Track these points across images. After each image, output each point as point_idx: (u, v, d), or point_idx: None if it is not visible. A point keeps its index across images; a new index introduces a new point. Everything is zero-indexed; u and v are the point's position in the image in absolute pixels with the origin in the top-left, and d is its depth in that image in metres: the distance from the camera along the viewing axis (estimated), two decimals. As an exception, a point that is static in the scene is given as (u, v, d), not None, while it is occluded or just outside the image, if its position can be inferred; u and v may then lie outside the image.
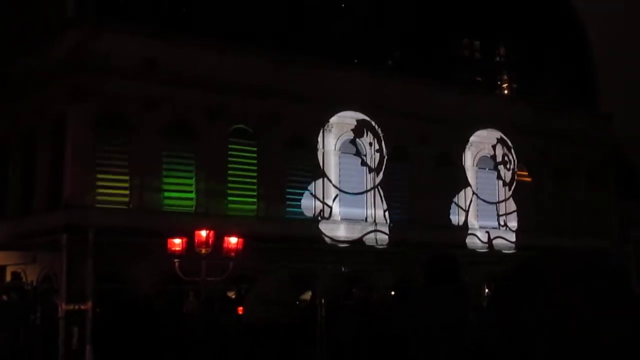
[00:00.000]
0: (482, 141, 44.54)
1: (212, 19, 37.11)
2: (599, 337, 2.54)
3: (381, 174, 40.80)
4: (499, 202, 45.08)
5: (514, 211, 45.47)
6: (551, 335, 2.56)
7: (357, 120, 40.10)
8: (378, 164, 40.83)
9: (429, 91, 42.00)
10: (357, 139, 40.38)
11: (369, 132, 40.50)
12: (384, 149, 40.85)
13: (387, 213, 40.66)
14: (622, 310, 2.60)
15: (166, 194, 34.77)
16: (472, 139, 44.01)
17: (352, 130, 40.12)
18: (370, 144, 40.62)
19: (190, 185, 35.47)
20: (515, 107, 45.88)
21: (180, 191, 35.17)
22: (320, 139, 39.10)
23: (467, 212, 43.62)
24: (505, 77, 48.52)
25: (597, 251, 40.71)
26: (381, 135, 40.63)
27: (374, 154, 40.73)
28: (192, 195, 35.37)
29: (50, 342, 19.22)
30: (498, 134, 44.98)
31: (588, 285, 2.63)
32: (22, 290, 24.65)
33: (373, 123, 40.36)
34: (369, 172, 40.62)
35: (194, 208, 34.85)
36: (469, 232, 43.18)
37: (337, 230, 38.94)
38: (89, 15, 34.48)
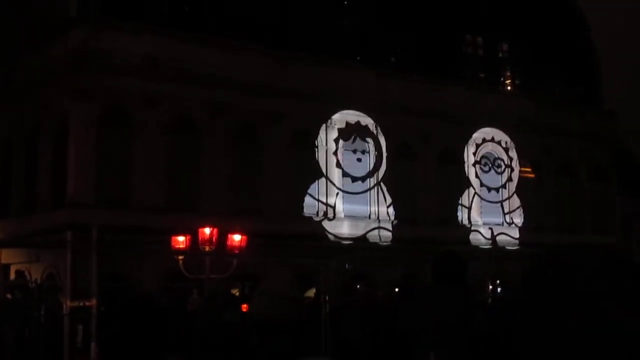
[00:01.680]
0: (486, 138, 44.49)
1: (215, 16, 37.10)
2: (623, 333, 2.54)
3: (384, 171, 40.77)
4: (502, 199, 45.04)
5: (517, 208, 45.43)
6: (579, 331, 2.56)
7: (360, 117, 40.07)
8: (381, 161, 40.80)
9: (432, 88, 41.99)
10: (360, 136, 40.34)
11: (372, 129, 40.47)
12: (387, 146, 40.82)
13: (390, 210, 40.64)
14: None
15: (170, 192, 34.75)
16: (475, 135, 43.95)
17: (355, 127, 40.09)
18: (374, 141, 40.58)
19: (194, 182, 35.45)
20: (518, 104, 45.81)
21: (183, 189, 35.14)
22: (323, 136, 39.08)
23: (470, 209, 43.59)
24: (509, 73, 48.47)
25: (596, 250, 40.52)
26: (384, 132, 40.59)
27: (377, 151, 40.70)
28: (195, 192, 35.34)
29: (54, 339, 19.23)
30: (501, 131, 44.91)
31: (615, 281, 2.63)
32: (26, 288, 24.71)
33: (376, 120, 40.32)
34: (372, 170, 40.59)
35: (197, 205, 34.81)
36: (473, 229, 43.16)
37: (341, 228, 38.96)
38: (91, 14, 34.51)
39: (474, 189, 43.90)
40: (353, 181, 39.86)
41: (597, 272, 2.65)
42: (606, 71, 52.79)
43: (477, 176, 44.15)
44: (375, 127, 40.43)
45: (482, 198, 44.14)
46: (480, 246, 42.46)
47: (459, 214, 43.32)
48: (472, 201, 43.71)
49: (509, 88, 48.51)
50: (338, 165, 39.47)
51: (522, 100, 46.31)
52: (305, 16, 39.50)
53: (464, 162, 43.73)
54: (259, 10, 38.07)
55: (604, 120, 50.04)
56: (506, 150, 45.31)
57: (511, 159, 45.56)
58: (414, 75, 41.65)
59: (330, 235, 38.38)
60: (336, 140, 39.47)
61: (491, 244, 43.30)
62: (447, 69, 43.73)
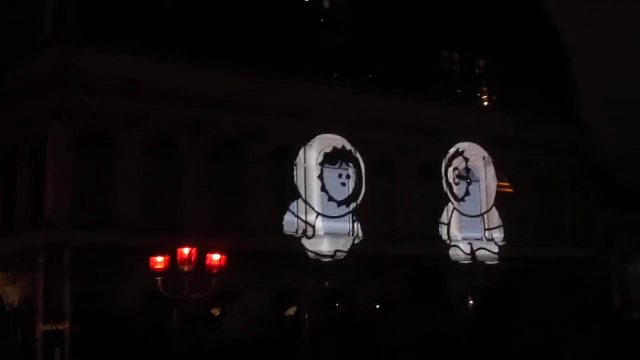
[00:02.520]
0: (464, 153, 44.58)
1: (193, 35, 37.07)
2: (570, 353, 2.56)
3: (363, 188, 40.77)
4: (481, 213, 45.12)
5: (497, 223, 45.51)
6: (526, 351, 2.58)
7: (338, 134, 40.09)
8: (360, 177, 40.81)
9: (409, 104, 42.08)
10: (339, 153, 40.36)
11: (350, 146, 40.49)
12: (365, 162, 40.85)
13: (370, 226, 40.59)
14: (594, 326, 2.62)
15: (149, 211, 34.56)
16: (452, 150, 44.04)
17: (340, 151, 40.13)
18: (352, 158, 40.59)
19: (173, 201, 35.28)
20: (495, 119, 46.00)
21: (162, 208, 34.96)
22: (302, 153, 39.07)
23: (449, 224, 43.63)
24: (485, 89, 48.67)
25: (578, 263, 40.70)
26: (362, 148, 40.62)
27: (356, 167, 40.72)
28: (175, 211, 35.17)
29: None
30: (479, 146, 45.03)
31: (562, 301, 2.65)
32: (3, 311, 24.47)
33: (354, 136, 40.35)
34: (355, 189, 40.59)
35: (176, 225, 34.62)
36: (452, 244, 43.17)
37: (320, 245, 38.86)
38: (69, 33, 34.38)
39: (452, 204, 43.95)
40: (338, 205, 39.84)
41: (545, 292, 2.68)
42: (583, 85, 53.16)
43: (455, 191, 44.21)
44: (354, 143, 40.42)
45: (460, 213, 44.18)
46: (460, 261, 42.46)
47: (439, 229, 43.34)
48: (451, 216, 43.76)
49: (485, 103, 48.71)
50: (323, 189, 39.43)
51: (499, 115, 46.51)
52: (282, 34, 39.55)
53: (442, 178, 43.77)
54: (236, 29, 38.09)
55: (581, 134, 50.31)
56: (484, 165, 45.42)
57: (489, 174, 45.66)
58: (392, 91, 41.72)
59: (309, 253, 38.27)
60: (321, 164, 39.49)
61: (471, 259, 43.31)
62: (424, 85, 43.87)
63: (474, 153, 45.07)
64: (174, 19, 37.17)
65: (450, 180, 44.05)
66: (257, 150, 37.45)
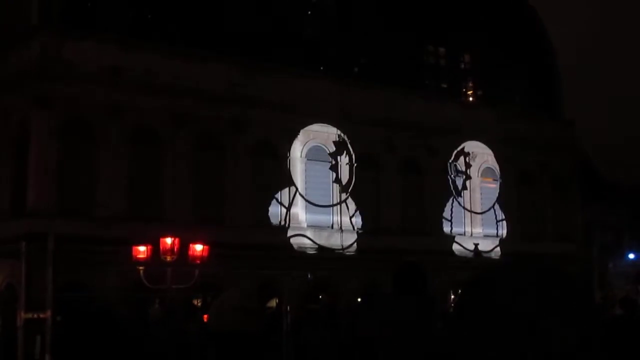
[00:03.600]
0: (448, 148, 44.66)
1: (177, 26, 36.99)
2: (549, 345, 2.59)
3: (347, 181, 40.82)
4: (464, 208, 45.23)
5: (479, 218, 45.66)
6: (503, 344, 2.61)
7: (323, 127, 40.10)
8: (344, 171, 40.85)
9: (394, 98, 42.12)
10: (324, 146, 40.38)
11: (335, 139, 40.50)
12: (351, 156, 40.89)
13: (353, 220, 40.67)
14: (576, 320, 2.65)
15: (132, 201, 34.48)
16: (437, 145, 44.08)
17: (318, 137, 40.13)
18: (337, 151, 40.61)
19: (156, 192, 35.24)
20: (480, 114, 46.12)
21: (145, 198, 34.90)
22: (286, 146, 39.04)
23: (432, 218, 43.73)
24: (471, 84, 48.78)
25: (559, 259, 40.93)
26: (347, 142, 40.66)
27: (341, 160, 40.75)
28: (157, 202, 35.12)
29: (10, 350, 19.00)
30: (463, 141, 45.11)
31: (540, 294, 2.68)
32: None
33: (339, 130, 40.37)
34: (336, 179, 40.63)
35: (159, 215, 34.57)
36: (435, 238, 43.24)
37: (304, 238, 38.88)
38: (53, 22, 34.23)
39: (436, 198, 44.01)
40: (316, 191, 39.79)
41: (523, 286, 2.71)
42: (566, 81, 53.40)
43: (439, 186, 44.28)
44: (339, 136, 40.45)
45: (445, 208, 44.27)
46: (443, 256, 42.51)
47: (422, 223, 43.41)
48: (434, 211, 43.86)
49: (471, 98, 48.82)
50: (307, 182, 39.43)
51: (483, 111, 46.62)
52: (268, 26, 39.50)
53: (427, 173, 43.83)
54: (223, 20, 38.02)
55: (564, 130, 50.50)
56: (467, 160, 45.51)
57: (473, 170, 45.75)
58: (377, 85, 41.75)
59: (293, 245, 38.30)
60: (300, 150, 39.44)
61: (454, 254, 43.44)
62: (409, 79, 43.90)
63: (458, 148, 45.12)
64: (158, 9, 37.09)
65: (435, 175, 44.08)
66: (241, 143, 37.41)
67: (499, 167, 46.70)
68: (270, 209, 38.35)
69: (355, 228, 40.58)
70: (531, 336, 2.60)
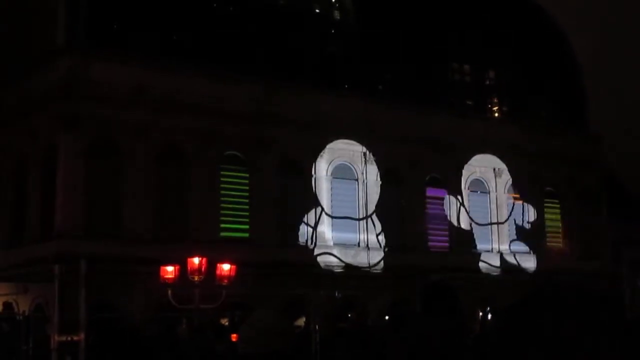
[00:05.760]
0: (474, 164, 44.51)
1: (203, 46, 37.16)
2: None
3: (373, 199, 40.74)
4: (491, 224, 45.00)
5: (506, 234, 45.38)
6: None
7: (348, 145, 40.08)
8: (370, 188, 40.79)
9: (419, 115, 42.07)
10: (349, 164, 40.37)
11: (360, 157, 40.49)
12: (376, 173, 40.84)
13: (380, 237, 40.56)
14: (618, 342, 2.63)
15: (159, 221, 34.60)
16: (464, 161, 43.91)
17: (343, 154, 40.13)
18: (362, 169, 40.58)
19: (182, 211, 35.33)
20: (505, 130, 45.93)
21: (172, 218, 35.01)
22: (312, 164, 39.05)
23: (459, 235, 43.53)
24: (496, 100, 48.61)
25: (588, 276, 40.49)
26: (373, 159, 40.63)
27: (366, 178, 40.70)
28: (184, 221, 35.21)
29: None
30: (489, 157, 44.95)
31: (588, 317, 2.66)
32: (14, 320, 24.49)
33: (364, 148, 40.35)
34: (361, 197, 40.57)
35: (186, 235, 34.65)
36: (461, 255, 43.00)
37: (330, 256, 38.80)
38: (79, 43, 34.50)
39: (463, 215, 43.80)
40: (342, 209, 39.73)
41: (572, 308, 2.69)
42: (593, 96, 53.08)
43: (466, 202, 44.10)
44: (364, 154, 40.43)
45: (472, 224, 44.05)
46: (470, 273, 42.25)
47: (447, 240, 43.23)
48: (459, 228, 43.65)
49: (496, 114, 48.64)
50: (327, 192, 39.40)
51: (509, 127, 46.42)
52: (293, 45, 39.63)
53: (452, 189, 43.65)
54: (248, 40, 38.18)
55: (591, 145, 50.18)
56: (494, 176, 45.32)
57: (499, 185, 45.54)
58: (402, 102, 41.72)
59: (320, 264, 38.23)
60: (325, 168, 39.43)
61: (479, 271, 43.17)
62: (434, 97, 43.84)
63: (485, 164, 44.98)
64: (183, 30, 37.27)
65: (461, 191, 43.91)
66: (267, 161, 37.47)
67: (526, 183, 46.43)
68: (296, 227, 38.33)
69: (382, 246, 40.45)
70: (577, 357, 2.59)
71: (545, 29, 51.14)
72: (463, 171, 44.05)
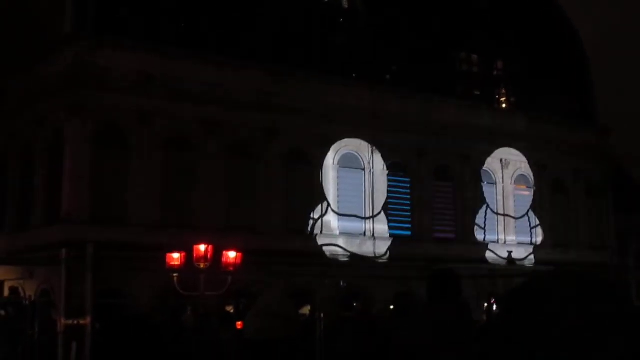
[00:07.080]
0: (481, 155, 44.47)
1: (210, 34, 37.15)
2: (601, 356, 2.55)
3: (380, 188, 40.74)
4: (497, 215, 44.98)
5: (513, 226, 45.37)
6: (554, 355, 2.57)
7: (356, 135, 40.05)
8: (377, 178, 40.78)
9: (427, 105, 42.04)
10: (356, 153, 40.35)
11: (367, 146, 40.47)
12: (383, 163, 40.82)
13: (385, 227, 40.57)
14: (624, 330, 2.61)
15: (165, 208, 34.65)
16: (471, 153, 43.91)
17: (350, 144, 40.11)
18: (369, 158, 40.57)
19: (188, 199, 35.37)
20: (513, 121, 45.88)
21: (178, 205, 35.06)
22: (318, 153, 39.04)
23: (466, 226, 43.53)
24: (504, 90, 48.51)
25: (594, 267, 40.52)
26: (379, 149, 40.59)
27: (373, 168, 40.69)
28: (190, 209, 35.25)
29: (48, 357, 19.12)
30: (497, 148, 44.90)
31: (592, 306, 2.65)
32: (20, 305, 24.54)
33: (371, 137, 40.32)
34: (368, 187, 40.56)
35: (192, 222, 34.69)
36: (469, 246, 43.02)
37: (336, 245, 38.83)
38: (86, 31, 34.50)
39: (469, 206, 43.80)
40: (348, 198, 39.74)
41: (575, 297, 2.67)
42: (601, 88, 52.94)
43: (471, 193, 44.08)
44: (371, 143, 40.40)
45: (478, 216, 44.04)
46: (477, 264, 42.25)
47: (455, 230, 43.25)
48: (467, 218, 43.66)
49: (504, 105, 48.55)
50: (334, 181, 39.40)
51: (517, 117, 46.37)
52: (300, 33, 39.59)
53: (459, 179, 43.66)
54: (255, 28, 38.15)
55: (599, 137, 50.12)
56: (501, 167, 45.29)
57: (506, 177, 45.51)
58: (410, 92, 41.68)
59: (326, 252, 38.27)
60: (332, 157, 39.41)
61: (485, 261, 43.17)
62: (442, 86, 43.76)
63: (492, 155, 44.92)
64: (190, 17, 37.26)
65: (468, 182, 43.87)
66: (273, 150, 37.48)
67: (533, 174, 46.42)
68: (302, 216, 38.35)
69: (388, 235, 40.46)
70: (580, 346, 2.57)
71: (554, 20, 50.99)
72: (471, 162, 43.97)
